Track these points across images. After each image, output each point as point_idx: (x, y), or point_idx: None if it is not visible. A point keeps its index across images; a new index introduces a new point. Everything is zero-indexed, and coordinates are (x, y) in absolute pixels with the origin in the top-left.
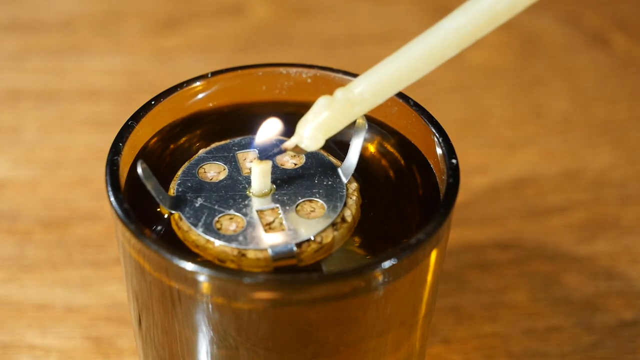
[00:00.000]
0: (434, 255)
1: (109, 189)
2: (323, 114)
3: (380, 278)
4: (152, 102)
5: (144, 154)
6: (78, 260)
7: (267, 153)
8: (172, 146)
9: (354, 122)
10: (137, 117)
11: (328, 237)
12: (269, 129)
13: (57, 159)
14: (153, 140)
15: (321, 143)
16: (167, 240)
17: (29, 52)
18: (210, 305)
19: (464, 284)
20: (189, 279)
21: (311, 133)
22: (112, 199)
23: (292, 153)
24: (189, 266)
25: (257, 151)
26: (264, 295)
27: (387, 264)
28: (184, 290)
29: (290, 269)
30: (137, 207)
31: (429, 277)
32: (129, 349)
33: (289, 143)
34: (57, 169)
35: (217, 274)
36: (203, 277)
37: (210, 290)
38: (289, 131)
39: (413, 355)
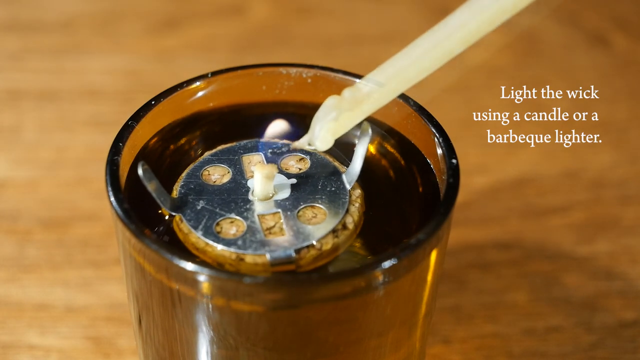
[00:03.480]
0: (434, 255)
1: (109, 189)
2: (331, 115)
3: (380, 278)
4: (152, 102)
5: (144, 154)
6: (78, 260)
7: (275, 153)
8: (172, 146)
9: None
10: (137, 117)
11: (328, 244)
12: (277, 129)
13: (57, 159)
14: (153, 140)
15: (330, 143)
16: (168, 240)
17: (29, 52)
18: (210, 306)
19: (464, 284)
20: (189, 279)
21: (320, 134)
22: (112, 199)
23: (297, 157)
24: (189, 266)
25: (263, 154)
26: (264, 295)
27: (387, 264)
28: (184, 290)
29: (289, 275)
30: (137, 207)
31: (429, 277)
32: (129, 349)
33: (299, 143)
34: (57, 169)
35: (217, 274)
36: (203, 277)
37: (211, 290)
38: (293, 132)
39: (413, 355)
